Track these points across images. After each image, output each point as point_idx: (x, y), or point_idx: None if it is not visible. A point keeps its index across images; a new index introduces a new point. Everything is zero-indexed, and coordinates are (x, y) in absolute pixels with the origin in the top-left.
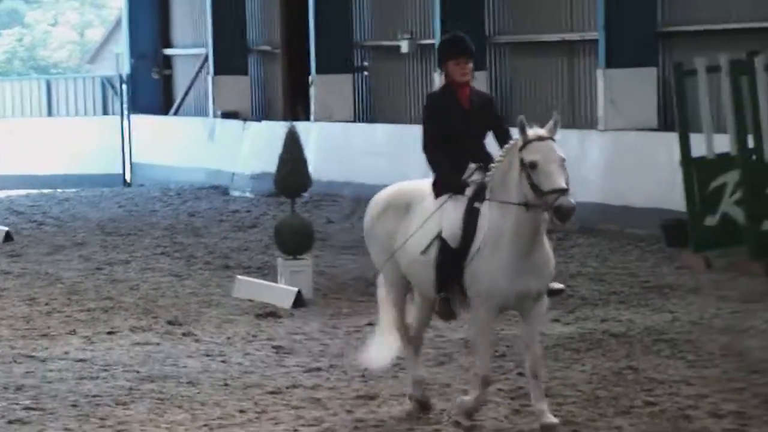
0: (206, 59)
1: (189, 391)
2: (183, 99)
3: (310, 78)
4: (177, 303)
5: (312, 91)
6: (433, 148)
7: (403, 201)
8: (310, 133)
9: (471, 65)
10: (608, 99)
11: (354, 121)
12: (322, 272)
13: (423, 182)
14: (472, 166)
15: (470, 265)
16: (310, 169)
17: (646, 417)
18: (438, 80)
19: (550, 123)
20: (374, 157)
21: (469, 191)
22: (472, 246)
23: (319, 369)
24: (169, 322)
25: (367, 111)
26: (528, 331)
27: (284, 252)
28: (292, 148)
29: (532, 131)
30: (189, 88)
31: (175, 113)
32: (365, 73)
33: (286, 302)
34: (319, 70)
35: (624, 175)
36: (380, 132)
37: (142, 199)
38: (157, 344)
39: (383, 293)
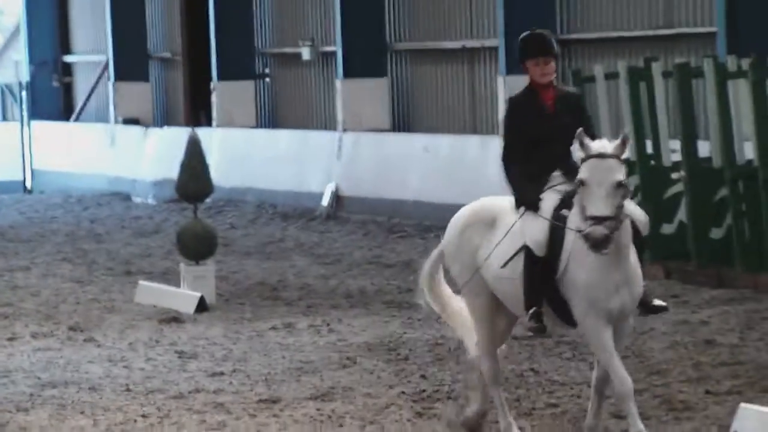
0: (107, 66)
1: (91, 397)
2: (84, 105)
3: (212, 85)
4: (79, 309)
5: (213, 97)
6: (509, 159)
7: (489, 216)
8: (212, 139)
9: (553, 65)
10: None
11: (256, 127)
12: (224, 277)
13: (509, 197)
14: (556, 174)
15: (565, 275)
16: (213, 175)
17: (548, 419)
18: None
19: (618, 140)
20: (277, 163)
21: (550, 202)
22: (561, 255)
23: (222, 373)
24: (71, 328)
25: (270, 117)
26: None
27: (187, 257)
28: (194, 154)
29: (597, 145)
30: (90, 95)
31: (76, 120)
32: (267, 79)
33: (189, 307)
34: (221, 77)
35: None
36: (283, 138)
37: (42, 205)
38: (59, 350)
39: (466, 314)
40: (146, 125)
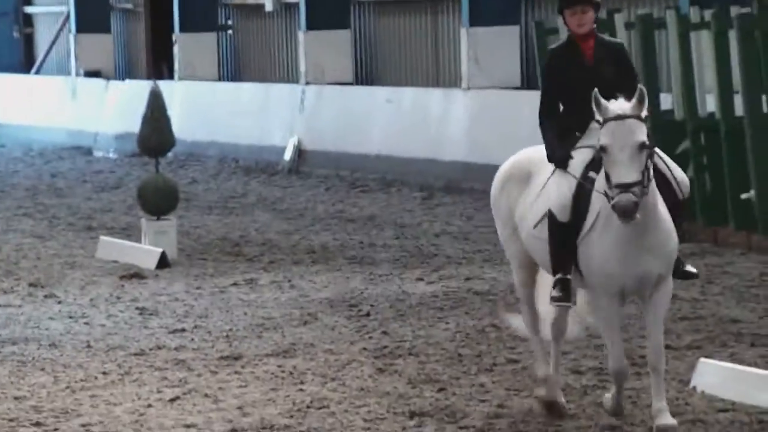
0: (68, 17)
1: (51, 354)
2: (45, 58)
3: (174, 36)
4: (39, 265)
5: (176, 49)
6: (545, 112)
7: (525, 170)
8: (174, 92)
9: (591, 14)
10: (472, 58)
11: (219, 80)
12: (186, 233)
13: None
14: (594, 126)
15: (582, 243)
16: (175, 128)
17: (509, 374)
18: (302, 39)
19: (635, 98)
20: (239, 116)
21: (581, 160)
22: (585, 221)
23: (183, 330)
24: (31, 284)
25: (232, 70)
26: (649, 318)
27: (148, 212)
28: (155, 107)
29: (614, 106)
30: (51, 47)
31: (37, 72)
32: (229, 31)
33: (150, 263)
34: (183, 29)
35: (487, 134)
36: (245, 91)
37: (2, 159)
38: (19, 306)
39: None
40: (108, 78)
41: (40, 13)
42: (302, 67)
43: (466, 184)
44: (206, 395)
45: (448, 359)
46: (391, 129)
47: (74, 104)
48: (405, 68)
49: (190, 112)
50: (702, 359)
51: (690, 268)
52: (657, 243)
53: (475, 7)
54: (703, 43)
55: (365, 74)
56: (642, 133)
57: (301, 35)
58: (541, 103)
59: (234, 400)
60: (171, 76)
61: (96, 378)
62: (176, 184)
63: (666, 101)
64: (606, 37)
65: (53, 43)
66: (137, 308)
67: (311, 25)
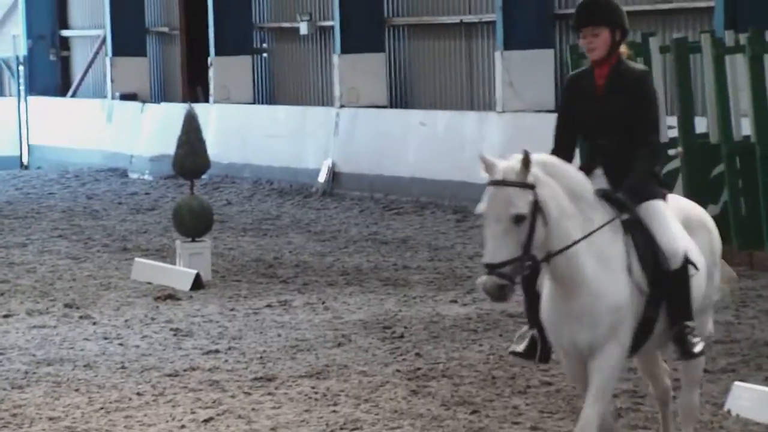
0: (104, 40)
1: (86, 374)
2: (81, 80)
3: (209, 60)
4: (74, 286)
5: (211, 72)
6: (555, 147)
7: None
8: (209, 114)
9: (605, 36)
10: (506, 81)
11: (254, 103)
12: (221, 254)
13: None
14: (599, 173)
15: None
16: (210, 151)
17: (543, 396)
18: (337, 62)
19: (519, 161)
20: (274, 139)
21: None
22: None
23: (217, 351)
24: (67, 305)
25: (267, 93)
26: (588, 390)
27: (183, 234)
28: (191, 129)
29: (502, 167)
30: (87, 70)
31: (73, 95)
32: (264, 54)
33: (185, 284)
34: (218, 52)
35: None
36: (280, 114)
37: (39, 181)
38: (54, 327)
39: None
40: (143, 101)
41: (77, 37)
42: (337, 91)
43: None
44: (240, 416)
45: (482, 381)
46: (425, 152)
47: (110, 127)
48: (439, 91)
49: (225, 135)
50: (736, 383)
51: (696, 347)
52: (581, 309)
53: (510, 30)
54: (738, 66)
55: (399, 97)
56: (521, 204)
57: (335, 58)
58: (554, 135)
59: (267, 421)
60: (206, 99)
61: (130, 399)
62: (211, 206)
63: (701, 125)
64: (631, 63)
65: (89, 66)
66: (172, 329)
67: (346, 49)
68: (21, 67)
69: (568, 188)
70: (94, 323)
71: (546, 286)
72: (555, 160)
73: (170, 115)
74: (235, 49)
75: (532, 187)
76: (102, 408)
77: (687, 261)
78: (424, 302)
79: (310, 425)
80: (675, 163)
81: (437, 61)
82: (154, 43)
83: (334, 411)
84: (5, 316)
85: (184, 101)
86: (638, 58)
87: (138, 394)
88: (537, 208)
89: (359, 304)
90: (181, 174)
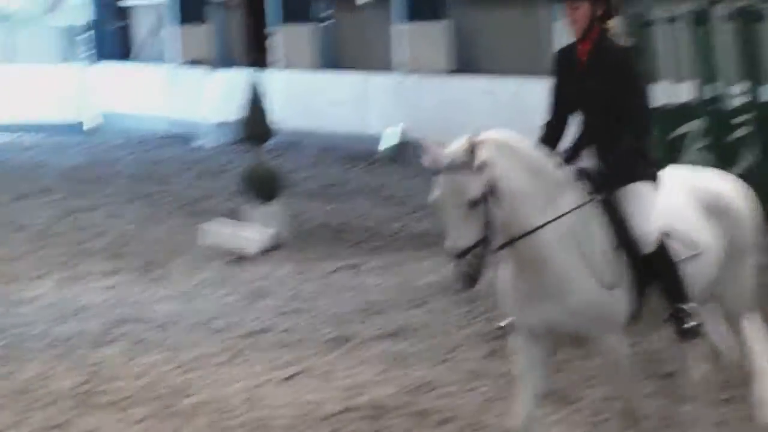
0: (169, 7)
1: (162, 335)
2: (146, 47)
3: (272, 27)
4: (145, 249)
5: (274, 39)
6: (546, 120)
7: None
8: (273, 81)
9: (585, 9)
10: None
11: (318, 69)
12: (289, 219)
13: None
14: (586, 153)
15: None
16: (274, 117)
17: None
18: (400, 29)
19: (464, 146)
20: (339, 106)
21: None
22: None
23: (291, 312)
24: (141, 267)
25: (330, 60)
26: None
27: (252, 198)
28: (256, 96)
29: (448, 154)
30: (152, 36)
31: (139, 61)
32: (328, 22)
33: (255, 248)
34: (282, 19)
35: None
36: (344, 81)
37: (105, 147)
38: (129, 288)
39: None
40: (208, 67)
41: (142, 4)
42: (400, 58)
43: None
44: (316, 376)
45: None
46: (489, 119)
47: (175, 93)
48: (503, 58)
49: (289, 101)
50: None
51: (690, 330)
52: (548, 292)
53: None
54: None
55: (463, 64)
56: (473, 189)
57: (399, 26)
58: (546, 111)
59: (344, 381)
60: (270, 66)
61: (207, 359)
62: (279, 171)
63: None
64: (615, 40)
65: (154, 32)
66: (243, 291)
67: (409, 15)
68: (86, 34)
69: (529, 169)
70: (167, 285)
71: (507, 262)
72: (511, 139)
73: (235, 82)
74: (298, 16)
75: (481, 168)
76: (179, 367)
77: (663, 244)
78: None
79: (386, 386)
80: (742, 131)
81: (501, 27)
82: (218, 10)
83: (410, 372)
84: (80, 277)
85: (248, 67)
86: (703, 26)
87: (214, 354)
88: (491, 190)
89: (430, 267)
90: (247, 140)
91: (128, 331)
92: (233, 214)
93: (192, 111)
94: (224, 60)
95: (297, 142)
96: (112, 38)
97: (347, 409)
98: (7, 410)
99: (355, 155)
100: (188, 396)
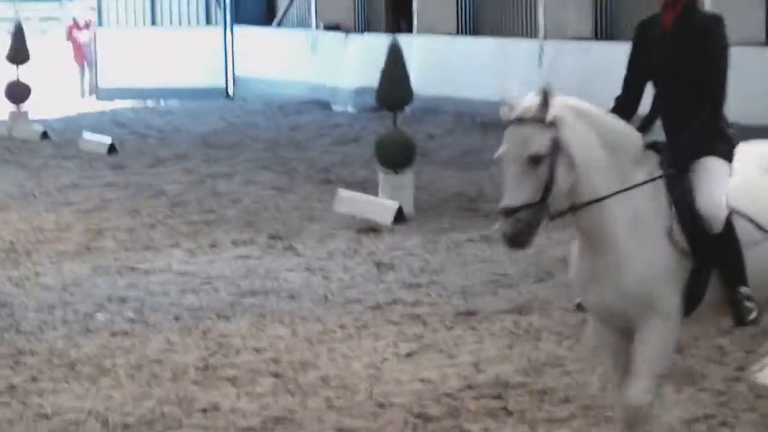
0: None
1: (290, 306)
2: (286, 11)
3: None
4: (279, 217)
5: (415, 3)
6: (621, 92)
7: None
8: (412, 46)
9: None
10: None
11: (457, 34)
12: (423, 187)
13: None
14: (658, 123)
15: None
16: (412, 83)
17: (748, 337)
18: None
19: (539, 97)
20: (477, 71)
21: None
22: None
23: (419, 285)
24: (271, 236)
25: (470, 24)
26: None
27: (386, 167)
28: (395, 61)
29: (522, 105)
30: (291, 1)
31: (278, 25)
32: None
33: (387, 217)
34: None
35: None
36: (483, 46)
37: (244, 112)
38: (259, 258)
39: None
40: (347, 31)
41: None
42: (541, 22)
43: None
44: (441, 351)
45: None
46: None
47: (314, 58)
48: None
49: (428, 67)
50: None
51: (750, 315)
52: (606, 274)
53: None
54: None
55: (605, 29)
56: (539, 143)
57: None
58: (622, 83)
59: (469, 356)
60: (410, 30)
61: (333, 332)
62: (413, 139)
63: None
64: (702, 9)
65: None
66: (374, 262)
67: None
68: None
69: (603, 137)
70: (298, 255)
71: (576, 239)
72: (589, 106)
73: (374, 47)
74: None
75: (552, 125)
76: (305, 340)
77: (730, 224)
78: None
79: (511, 361)
80: None
81: None
82: None
83: (536, 347)
84: (212, 246)
85: (387, 32)
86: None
87: (341, 326)
88: (558, 149)
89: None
90: (385, 106)
91: (256, 303)
92: (368, 182)
93: (331, 76)
94: (364, 25)
95: (434, 109)
96: (254, 3)
97: (469, 387)
98: (132, 382)
99: (492, 123)
100: (314, 369)
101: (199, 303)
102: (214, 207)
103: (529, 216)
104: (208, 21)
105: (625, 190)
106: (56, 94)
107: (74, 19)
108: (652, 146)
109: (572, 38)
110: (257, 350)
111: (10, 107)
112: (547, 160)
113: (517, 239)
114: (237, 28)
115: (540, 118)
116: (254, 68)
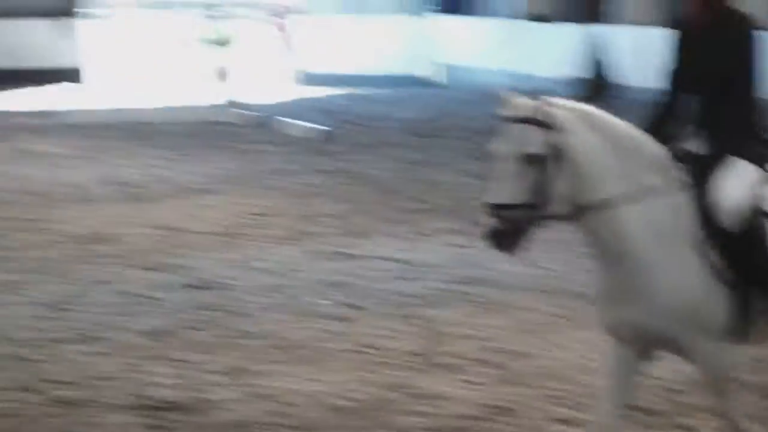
0: None
1: (502, 295)
2: (488, 1)
3: None
4: None
5: None
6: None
7: None
8: (618, 38)
9: None
10: None
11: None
12: None
13: None
14: (689, 130)
15: None
16: (618, 74)
17: None
18: None
19: (532, 99)
20: None
21: None
22: None
23: None
24: (478, 225)
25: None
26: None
27: None
28: (596, 52)
29: (517, 104)
30: None
31: (483, 14)
32: None
33: None
34: None
35: None
36: None
37: (451, 100)
38: (469, 247)
39: None
40: (552, 21)
41: None
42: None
43: None
44: None
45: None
46: None
47: (518, 47)
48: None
49: (636, 59)
50: None
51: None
52: (631, 287)
53: None
54: None
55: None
56: (537, 144)
57: None
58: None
59: None
60: (612, 22)
61: (546, 323)
62: None
63: None
64: (734, 8)
65: None
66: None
67: None
68: None
69: (614, 144)
70: None
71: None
72: (600, 113)
73: (576, 37)
74: None
75: (553, 128)
76: (519, 329)
77: (755, 220)
78: None
79: None
80: None
81: None
82: None
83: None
84: (423, 234)
85: (590, 23)
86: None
87: (554, 316)
88: (559, 154)
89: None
90: (586, 97)
91: (471, 292)
92: None
93: (533, 66)
94: (566, 15)
95: (643, 100)
96: None
97: (660, 377)
98: (345, 368)
99: None
100: (528, 359)
101: (411, 290)
102: (423, 195)
103: (517, 217)
104: (413, 9)
105: (632, 195)
106: (263, 79)
107: (278, 6)
108: (679, 153)
109: None
110: (471, 338)
111: (220, 91)
112: (544, 163)
113: (501, 240)
114: (442, 17)
115: (541, 118)
116: (458, 56)
